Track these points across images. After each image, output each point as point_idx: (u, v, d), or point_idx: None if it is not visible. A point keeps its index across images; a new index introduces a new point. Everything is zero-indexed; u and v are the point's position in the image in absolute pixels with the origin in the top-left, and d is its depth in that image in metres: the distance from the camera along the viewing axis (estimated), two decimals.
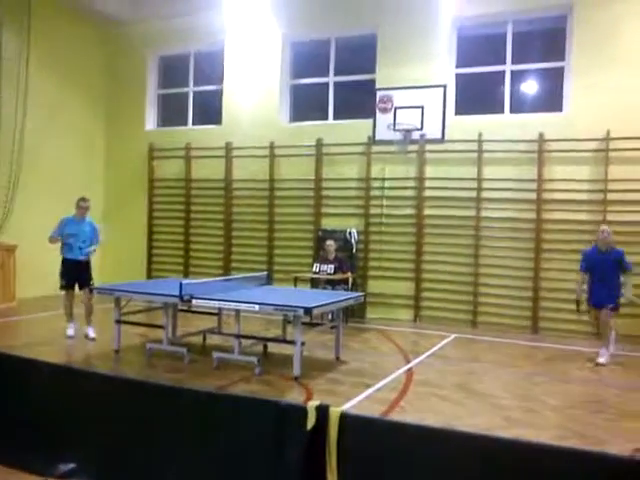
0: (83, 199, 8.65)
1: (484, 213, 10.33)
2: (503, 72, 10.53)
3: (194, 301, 6.87)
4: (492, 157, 10.24)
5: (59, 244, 8.41)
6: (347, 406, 5.58)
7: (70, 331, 8.43)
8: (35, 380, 4.27)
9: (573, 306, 9.53)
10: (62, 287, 8.46)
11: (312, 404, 3.33)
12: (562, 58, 10.10)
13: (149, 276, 12.97)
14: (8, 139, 11.53)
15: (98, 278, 12.34)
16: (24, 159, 11.72)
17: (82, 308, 8.51)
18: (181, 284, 6.88)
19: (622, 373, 7.43)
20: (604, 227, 7.85)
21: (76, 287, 8.50)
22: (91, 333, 8.42)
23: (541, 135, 9.85)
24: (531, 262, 9.99)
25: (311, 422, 3.29)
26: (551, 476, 2.88)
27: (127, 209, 13.43)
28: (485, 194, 10.34)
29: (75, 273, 8.40)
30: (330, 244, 10.35)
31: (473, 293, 10.37)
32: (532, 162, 9.95)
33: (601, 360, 7.66)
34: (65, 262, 8.43)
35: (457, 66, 10.82)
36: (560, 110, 10.05)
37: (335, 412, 3.28)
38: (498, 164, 10.21)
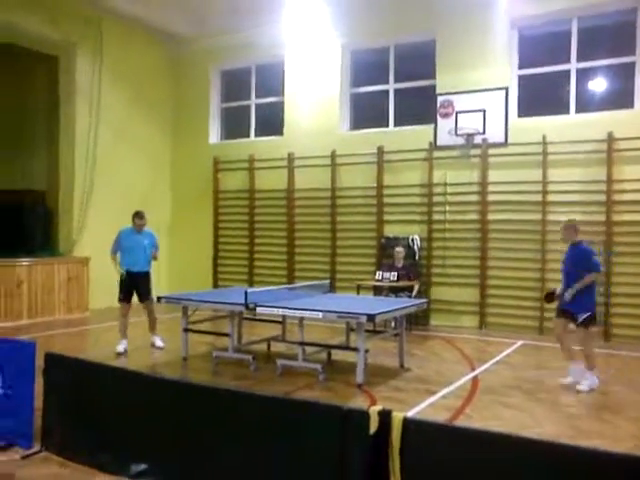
0: (139, 215, 8.56)
1: (550, 217, 10.04)
2: (568, 71, 10.26)
3: (258, 309, 6.98)
4: (558, 159, 9.98)
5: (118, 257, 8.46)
6: (411, 413, 5.53)
7: (120, 347, 8.23)
8: (109, 385, 4.46)
9: None
10: (120, 300, 8.41)
11: (375, 409, 3.34)
12: (631, 53, 9.76)
13: (215, 285, 13.26)
14: (81, 156, 12.10)
15: (166, 288, 12.77)
16: (96, 176, 12.25)
17: (145, 320, 8.64)
18: (246, 292, 7.01)
19: None
20: (566, 223, 6.84)
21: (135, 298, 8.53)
22: (158, 342, 8.52)
23: (610, 134, 9.53)
24: (603, 266, 9.63)
25: (374, 427, 3.29)
26: None
27: (193, 221, 13.79)
28: (551, 197, 10.07)
29: (133, 285, 8.41)
30: (399, 251, 10.33)
31: (540, 299, 10.07)
32: (601, 162, 9.64)
33: (567, 381, 6.70)
34: (125, 273, 8.40)
35: (519, 67, 10.62)
36: (631, 107, 9.70)
37: (398, 417, 3.28)
38: (564, 166, 9.93)
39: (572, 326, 6.72)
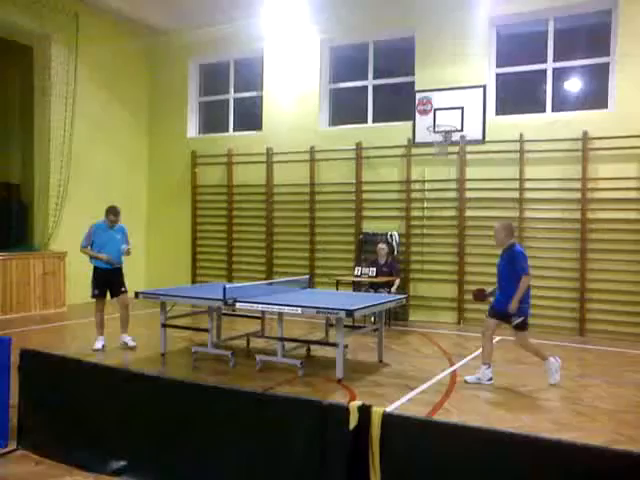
0: (114, 211, 8.28)
1: (527, 214, 10.18)
2: (544, 70, 10.37)
3: (238, 305, 6.97)
4: (534, 157, 10.09)
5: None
6: (390, 408, 5.57)
7: (98, 344, 8.11)
8: (86, 381, 4.41)
9: (620, 307, 9.38)
10: (94, 296, 8.22)
11: (354, 404, 3.35)
12: (606, 54, 9.89)
13: (193, 281, 13.19)
14: (57, 149, 11.90)
15: (144, 283, 12.66)
16: (72, 169, 12.06)
17: (116, 316, 8.43)
18: (225, 288, 6.98)
19: None
20: (497, 225, 6.79)
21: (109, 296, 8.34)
22: (130, 341, 8.25)
23: (585, 133, 9.66)
24: (577, 262, 9.79)
25: (354, 422, 3.31)
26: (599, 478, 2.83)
27: (171, 216, 13.68)
28: (528, 194, 10.18)
29: (107, 281, 8.20)
30: (382, 247, 10.35)
31: None
32: (576, 161, 9.77)
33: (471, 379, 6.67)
34: (96, 270, 8.23)
35: (497, 65, 10.71)
36: (605, 107, 9.84)
37: (377, 412, 3.29)
38: (541, 164, 10.06)
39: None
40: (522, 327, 6.57)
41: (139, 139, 14.02)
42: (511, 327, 6.59)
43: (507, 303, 6.42)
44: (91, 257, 8.26)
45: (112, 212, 8.32)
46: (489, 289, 6.93)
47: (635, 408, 5.89)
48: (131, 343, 8.25)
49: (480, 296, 6.97)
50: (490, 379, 6.59)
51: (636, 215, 9.42)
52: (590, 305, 9.73)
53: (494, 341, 7.02)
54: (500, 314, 6.60)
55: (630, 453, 2.85)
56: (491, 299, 6.90)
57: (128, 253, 8.31)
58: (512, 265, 6.50)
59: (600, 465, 2.84)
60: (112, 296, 8.35)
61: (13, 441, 4.53)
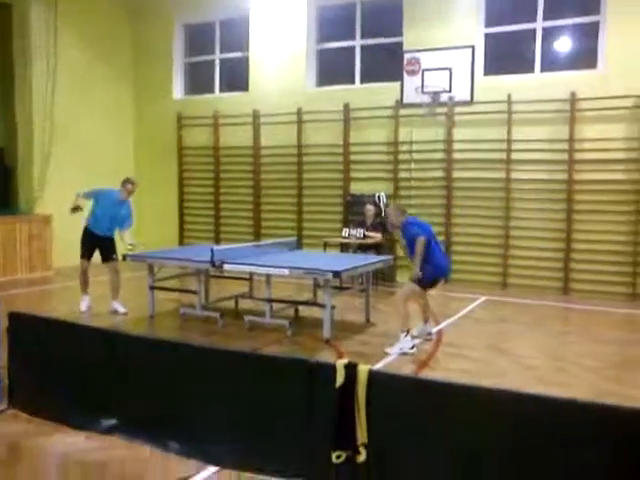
0: (131, 182, 8.10)
1: (514, 175, 10.19)
2: (534, 30, 10.26)
3: (225, 266, 6.98)
4: (522, 118, 10.06)
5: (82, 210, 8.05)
6: (377, 366, 5.66)
7: (83, 305, 8.13)
8: (74, 342, 4.43)
9: (604, 267, 9.51)
10: (82, 257, 8.11)
11: (341, 362, 3.40)
12: (597, 12, 9.79)
13: (181, 243, 13.18)
14: (40, 113, 11.71)
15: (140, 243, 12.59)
16: (55, 132, 11.89)
17: (105, 280, 8.33)
18: (212, 250, 6.99)
19: None
20: (387, 210, 6.66)
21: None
22: (120, 308, 8.11)
23: (573, 94, 9.62)
24: (563, 223, 9.87)
25: (340, 379, 3.36)
26: (578, 430, 2.91)
27: (158, 178, 13.56)
28: (515, 155, 10.18)
29: (96, 244, 8.09)
30: (369, 209, 10.29)
31: (503, 255, 10.31)
32: (564, 122, 9.75)
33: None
34: (88, 232, 8.11)
35: (485, 25, 10.57)
36: (594, 67, 9.79)
37: (363, 370, 3.35)
38: (528, 125, 10.03)
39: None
40: (419, 282, 6.36)
41: (124, 101, 13.79)
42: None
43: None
44: (79, 201, 8.00)
45: (131, 182, 8.10)
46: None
47: (616, 365, 6.04)
48: (121, 310, 8.14)
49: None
50: (413, 347, 6.33)
51: (622, 176, 9.47)
52: (575, 265, 9.85)
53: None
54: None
55: (609, 406, 2.94)
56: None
57: (124, 237, 8.06)
58: (409, 239, 6.44)
59: (581, 418, 2.92)
60: (104, 261, 8.29)
61: (4, 401, 4.58)
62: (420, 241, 6.27)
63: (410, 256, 6.54)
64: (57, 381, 4.43)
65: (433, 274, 6.44)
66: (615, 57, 9.41)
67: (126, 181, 8.17)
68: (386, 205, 10.92)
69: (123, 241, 8.08)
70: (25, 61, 11.61)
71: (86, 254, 8.15)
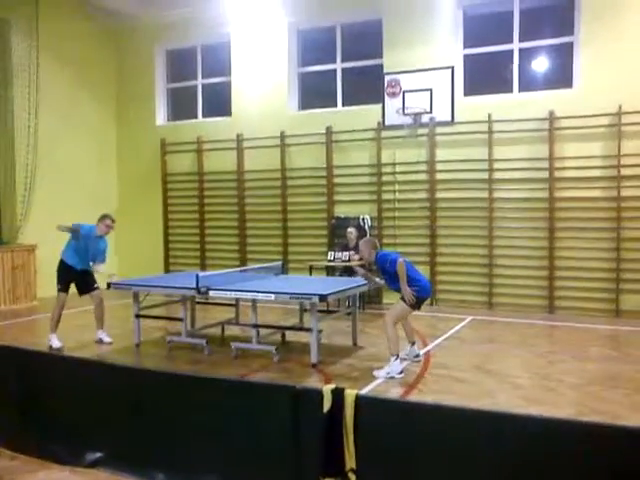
0: (111, 218, 8.03)
1: (497, 194, 10.29)
2: (511, 50, 10.44)
3: (211, 293, 6.95)
4: (503, 137, 10.20)
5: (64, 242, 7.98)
6: (365, 390, 5.65)
7: (55, 342, 7.71)
8: (60, 374, 4.39)
9: (588, 284, 9.59)
10: (59, 290, 7.86)
11: (328, 387, 3.40)
12: (570, 33, 9.99)
13: (166, 270, 13.11)
14: (22, 140, 11.66)
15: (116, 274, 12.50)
16: (38, 159, 11.84)
17: (89, 309, 8.26)
18: (198, 276, 6.96)
19: None
20: (360, 243, 6.84)
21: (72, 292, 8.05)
22: (106, 338, 8.04)
23: (551, 113, 9.78)
24: (545, 241, 9.96)
25: (327, 405, 3.36)
26: (564, 450, 2.92)
27: (142, 204, 13.54)
28: (497, 175, 10.30)
29: (75, 277, 7.93)
30: (351, 231, 10.32)
31: (489, 275, 10.37)
32: (543, 140, 9.89)
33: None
34: (63, 264, 7.92)
35: (464, 47, 10.74)
36: (570, 86, 9.96)
37: (351, 394, 3.34)
38: (509, 144, 10.16)
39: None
40: (411, 304, 6.36)
41: (107, 127, 13.81)
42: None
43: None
44: (63, 230, 7.85)
45: (110, 219, 8.01)
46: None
47: (600, 381, 6.05)
48: (107, 339, 8.05)
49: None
50: (401, 372, 6.26)
51: (601, 193, 9.60)
52: (559, 282, 9.92)
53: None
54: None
55: (593, 424, 2.96)
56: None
57: (99, 270, 8.00)
58: (388, 268, 6.44)
59: (566, 436, 2.94)
60: (82, 293, 8.12)
61: None
62: (400, 263, 6.29)
63: (391, 285, 6.55)
64: (41, 415, 4.37)
65: (418, 294, 6.43)
66: (590, 76, 9.60)
67: (105, 217, 8.04)
68: (370, 227, 11.00)
69: (98, 273, 7.99)
70: (6, 89, 11.56)
71: (65, 288, 7.93)
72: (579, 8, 9.77)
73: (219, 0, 12.11)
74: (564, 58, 10.16)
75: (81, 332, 8.26)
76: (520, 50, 10.40)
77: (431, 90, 10.53)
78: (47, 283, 11.22)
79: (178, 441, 3.87)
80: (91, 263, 7.97)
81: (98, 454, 4.07)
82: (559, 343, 7.86)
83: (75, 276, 7.96)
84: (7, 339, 7.54)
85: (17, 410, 4.45)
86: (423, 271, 10.67)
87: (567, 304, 9.82)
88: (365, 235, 10.80)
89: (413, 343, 6.93)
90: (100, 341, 8.06)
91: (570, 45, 10.01)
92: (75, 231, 7.91)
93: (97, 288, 8.10)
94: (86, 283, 8.03)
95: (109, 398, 4.13)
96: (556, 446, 2.92)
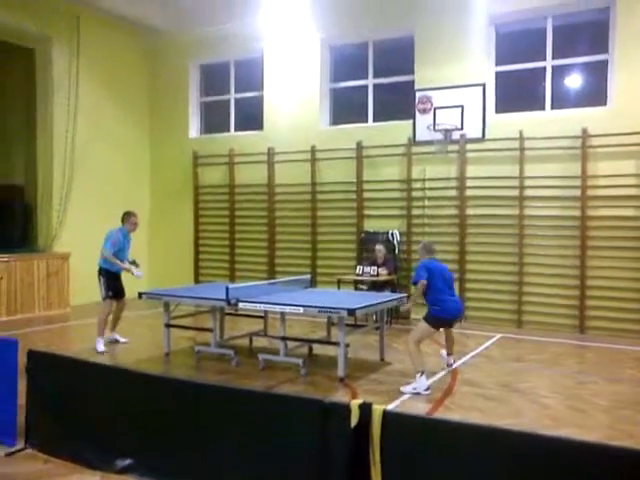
0: (135, 214, 8.63)
1: (527, 211, 10.22)
2: (544, 68, 10.41)
3: (240, 304, 7.04)
4: (534, 155, 10.14)
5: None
6: (391, 406, 5.65)
7: (101, 346, 8.17)
8: (92, 381, 4.49)
9: (620, 304, 9.44)
10: (109, 297, 8.38)
11: (355, 402, 3.43)
12: (605, 51, 9.92)
13: (196, 281, 13.27)
14: (60, 151, 12.00)
15: (146, 284, 12.73)
16: (75, 170, 12.16)
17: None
18: (227, 288, 7.05)
19: None
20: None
21: None
22: (120, 338, 8.64)
23: (584, 130, 9.70)
24: (577, 260, 9.84)
25: (355, 419, 3.38)
26: (594, 474, 2.89)
27: (173, 216, 13.76)
28: (528, 192, 10.23)
29: (119, 284, 8.53)
30: (379, 249, 10.38)
31: (518, 292, 10.27)
32: (576, 158, 9.81)
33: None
34: (110, 274, 8.38)
35: (496, 64, 10.74)
36: (604, 104, 9.88)
37: (378, 409, 3.37)
38: (540, 161, 10.10)
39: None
40: (427, 320, 6.59)
41: (141, 140, 14.09)
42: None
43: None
44: (113, 264, 8.32)
45: (134, 215, 8.58)
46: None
47: (632, 405, 5.96)
48: (122, 339, 8.62)
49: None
50: (428, 388, 6.29)
51: (634, 212, 9.47)
52: (590, 302, 9.78)
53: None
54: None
55: (625, 449, 2.93)
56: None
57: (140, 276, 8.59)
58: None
59: (596, 461, 2.90)
60: (120, 298, 8.57)
61: (21, 440, 4.62)
62: (419, 284, 6.58)
63: (422, 296, 6.73)
64: (74, 420, 4.47)
65: (436, 314, 6.56)
66: (625, 94, 9.51)
67: (129, 214, 8.56)
68: (399, 242, 11.00)
69: (128, 265, 8.48)
70: (46, 101, 11.95)
71: (113, 295, 8.43)
72: (615, 26, 9.70)
73: (253, 17, 12.35)
74: (598, 76, 10.09)
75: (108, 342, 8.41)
76: (553, 67, 10.36)
77: (462, 107, 10.54)
78: (80, 290, 11.53)
79: (207, 451, 3.93)
80: (134, 269, 8.40)
81: (129, 461, 4.15)
82: (590, 364, 7.75)
83: (118, 281, 8.50)
84: (41, 345, 7.71)
85: (51, 415, 4.57)
86: None
87: (598, 324, 9.67)
88: (394, 251, 10.85)
89: (449, 353, 7.23)
90: (116, 341, 8.55)
91: (604, 63, 9.94)
92: (117, 242, 8.34)
93: (124, 295, 8.67)
94: (121, 288, 8.55)
95: (141, 406, 4.22)
96: (585, 470, 2.89)
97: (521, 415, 5.58)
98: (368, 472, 3.34)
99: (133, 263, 8.55)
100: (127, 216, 8.57)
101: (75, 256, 11.53)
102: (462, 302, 7.31)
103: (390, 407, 5.27)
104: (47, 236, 11.94)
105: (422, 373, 6.29)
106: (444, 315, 6.61)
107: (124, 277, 8.68)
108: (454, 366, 7.26)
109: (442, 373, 7.05)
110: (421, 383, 6.25)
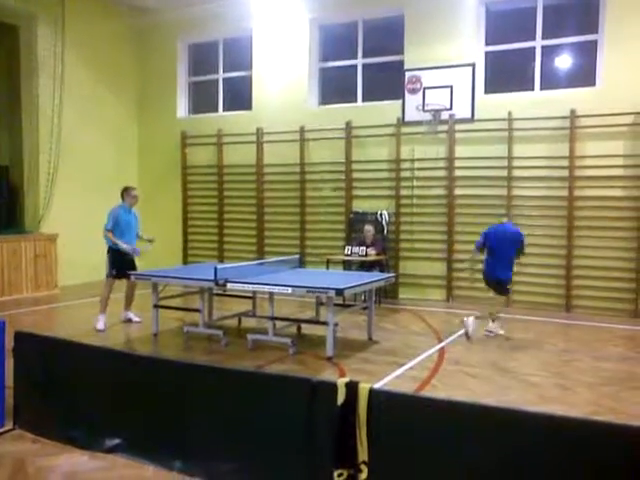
0: (133, 187, 8.63)
1: (515, 192, 10.26)
2: (533, 48, 10.37)
3: (229, 285, 7.03)
4: (523, 135, 10.15)
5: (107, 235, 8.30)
6: (379, 384, 5.70)
7: (101, 324, 8.20)
8: (79, 361, 4.49)
9: (606, 283, 9.53)
10: (113, 276, 8.35)
11: (342, 380, 3.45)
12: (595, 31, 9.90)
13: (185, 262, 13.25)
14: (46, 131, 11.86)
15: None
16: (61, 150, 12.03)
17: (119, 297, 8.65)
18: (216, 269, 7.05)
19: None
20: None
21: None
22: (134, 317, 8.64)
23: (573, 111, 9.71)
24: (564, 239, 9.91)
25: (341, 398, 3.41)
26: (578, 448, 2.94)
27: (161, 197, 13.67)
28: (516, 173, 10.26)
29: (126, 263, 8.35)
30: (369, 229, 10.41)
31: None
32: (564, 139, 9.83)
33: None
34: (115, 252, 8.30)
35: (486, 43, 10.69)
36: (593, 85, 9.88)
37: (364, 388, 3.39)
38: (529, 142, 10.12)
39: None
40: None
41: (129, 120, 13.95)
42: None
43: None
44: (114, 243, 8.28)
45: (133, 188, 8.56)
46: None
47: (616, 382, 6.05)
48: (136, 319, 8.61)
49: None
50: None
51: (621, 192, 9.53)
52: (576, 281, 9.88)
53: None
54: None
55: (607, 423, 2.97)
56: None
57: (141, 237, 8.64)
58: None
59: (581, 435, 2.95)
60: (123, 277, 8.39)
61: (10, 421, 4.62)
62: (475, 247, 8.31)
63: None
64: (62, 401, 4.48)
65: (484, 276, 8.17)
66: (613, 74, 9.51)
67: (128, 189, 8.55)
68: (388, 223, 11.01)
69: (143, 241, 8.59)
70: (31, 80, 11.77)
71: (117, 273, 8.35)
72: (604, 6, 9.67)
73: None
74: (587, 56, 10.07)
75: (109, 317, 8.40)
76: (542, 47, 10.33)
77: (451, 87, 10.51)
78: (68, 271, 11.48)
79: (195, 430, 3.95)
80: (135, 249, 8.39)
81: (117, 440, 4.16)
82: (576, 342, 7.84)
83: (125, 259, 8.37)
84: (29, 326, 7.69)
85: (39, 395, 4.57)
86: (440, 267, 10.80)
87: (585, 303, 9.78)
88: (383, 232, 10.86)
89: (493, 319, 8.12)
90: (129, 320, 8.54)
91: (594, 43, 9.92)
92: (114, 221, 8.29)
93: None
94: (130, 267, 8.34)
95: (128, 386, 4.23)
96: (569, 444, 2.94)
97: (508, 393, 5.64)
98: (355, 450, 3.38)
99: (150, 241, 8.59)
100: (126, 191, 8.54)
101: (63, 237, 11.46)
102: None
103: (377, 386, 5.31)
104: (34, 217, 11.84)
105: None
106: (485, 277, 8.35)
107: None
108: (494, 331, 8.06)
109: (429, 352, 7.10)
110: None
